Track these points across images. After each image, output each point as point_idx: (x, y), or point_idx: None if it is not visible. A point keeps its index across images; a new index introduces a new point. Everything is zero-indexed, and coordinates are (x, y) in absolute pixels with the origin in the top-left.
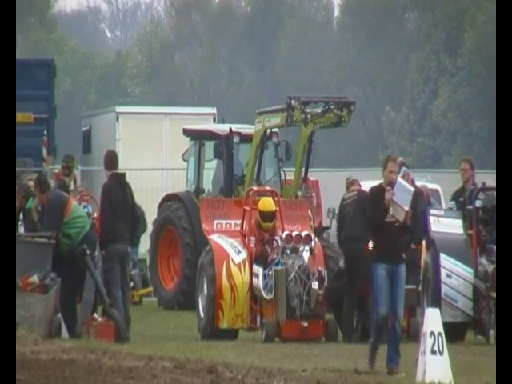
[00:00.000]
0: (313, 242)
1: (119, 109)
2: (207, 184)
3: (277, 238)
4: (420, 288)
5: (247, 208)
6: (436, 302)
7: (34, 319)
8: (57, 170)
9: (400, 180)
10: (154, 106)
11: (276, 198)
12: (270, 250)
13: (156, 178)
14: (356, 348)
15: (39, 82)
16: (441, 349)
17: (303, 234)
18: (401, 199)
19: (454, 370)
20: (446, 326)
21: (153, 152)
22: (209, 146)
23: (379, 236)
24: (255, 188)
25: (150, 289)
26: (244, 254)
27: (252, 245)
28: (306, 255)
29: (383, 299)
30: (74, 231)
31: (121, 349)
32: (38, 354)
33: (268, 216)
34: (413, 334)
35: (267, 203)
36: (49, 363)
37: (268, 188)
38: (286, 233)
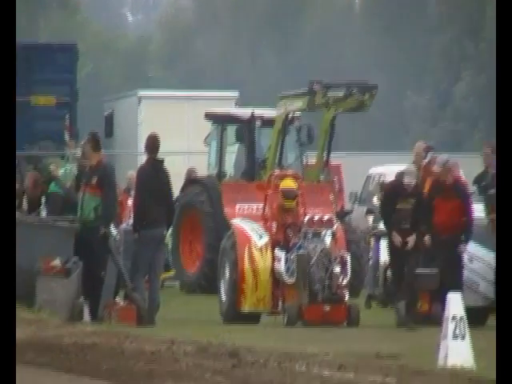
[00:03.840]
0: (335, 226)
1: (141, 92)
2: (229, 168)
3: (299, 221)
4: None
5: (269, 192)
6: (458, 286)
7: (56, 303)
8: (78, 155)
9: None
10: (175, 90)
11: (298, 181)
12: (292, 235)
13: (178, 162)
14: (378, 332)
15: (62, 66)
16: (463, 333)
17: (325, 217)
18: None
19: (476, 355)
20: (468, 310)
21: (175, 136)
22: (231, 129)
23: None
24: (277, 171)
25: (172, 273)
26: (266, 238)
27: (274, 229)
28: (328, 239)
29: None
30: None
31: (143, 333)
32: (61, 338)
33: (290, 194)
34: (435, 319)
35: (290, 181)
36: (71, 347)
37: (290, 171)
38: (307, 217)
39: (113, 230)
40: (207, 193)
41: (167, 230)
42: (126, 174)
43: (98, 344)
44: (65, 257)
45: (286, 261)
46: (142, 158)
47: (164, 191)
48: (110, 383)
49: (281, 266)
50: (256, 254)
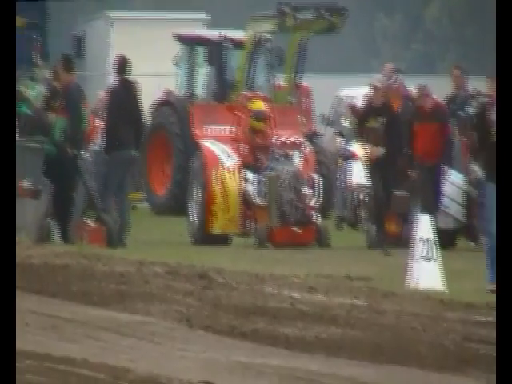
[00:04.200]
0: (304, 148)
1: (112, 14)
2: (199, 89)
3: (268, 143)
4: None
5: (239, 113)
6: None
7: (25, 224)
8: (48, 76)
9: None
10: (146, 12)
11: (268, 104)
12: (261, 156)
13: (148, 83)
14: (348, 254)
15: None
16: (433, 255)
17: (295, 139)
18: None
19: (447, 277)
20: (439, 232)
21: (145, 57)
22: (200, 51)
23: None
24: (247, 93)
25: (141, 194)
26: (235, 159)
27: (243, 151)
28: (297, 161)
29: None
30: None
31: (113, 254)
32: (31, 259)
33: (260, 115)
34: (406, 241)
35: (259, 103)
36: (42, 268)
37: (260, 93)
38: (277, 138)
39: (82, 151)
40: (177, 114)
41: (137, 150)
42: (96, 96)
43: (69, 265)
44: (34, 178)
45: (256, 182)
46: (113, 80)
47: (134, 112)
48: (80, 305)
49: (251, 188)
50: (225, 175)
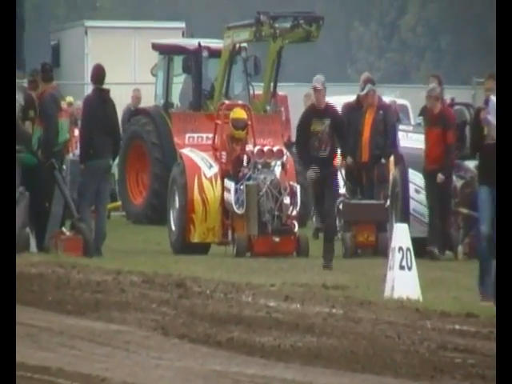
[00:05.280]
0: (285, 157)
1: (88, 23)
2: (176, 98)
3: (248, 152)
4: (388, 203)
5: (219, 122)
6: (405, 217)
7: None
8: (25, 84)
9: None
10: (123, 21)
11: (248, 112)
12: (241, 165)
13: (125, 92)
14: None
15: None
16: (409, 264)
17: (275, 148)
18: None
19: (423, 286)
20: (415, 241)
21: (121, 66)
22: (178, 60)
23: (480, 158)
24: (227, 102)
25: (119, 203)
26: (215, 168)
27: (224, 159)
28: (277, 170)
29: (486, 220)
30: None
31: (89, 263)
32: None
33: (240, 124)
34: (381, 250)
35: (239, 111)
36: (17, 277)
37: (240, 102)
38: (257, 147)
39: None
40: (154, 123)
41: (113, 160)
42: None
43: (44, 274)
44: None
45: (236, 191)
46: (89, 89)
47: (110, 121)
48: (55, 313)
49: (230, 197)
50: (205, 184)
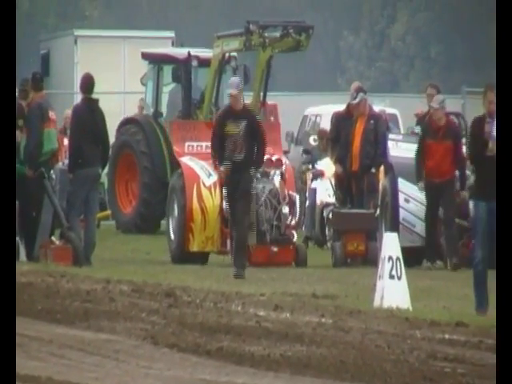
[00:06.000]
0: (284, 166)
1: (77, 32)
2: (165, 108)
3: None
4: (378, 212)
5: None
6: (394, 226)
7: None
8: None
9: None
10: (112, 30)
11: None
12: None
13: (114, 101)
14: (314, 272)
15: None
16: (399, 273)
17: (274, 158)
18: None
19: (412, 295)
20: (404, 250)
21: (111, 76)
22: (167, 69)
23: (479, 171)
24: None
25: (108, 212)
26: (215, 177)
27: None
28: (276, 180)
29: (482, 240)
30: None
31: (79, 272)
32: None
33: None
34: (371, 259)
35: None
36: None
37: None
38: None
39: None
40: (143, 132)
41: (102, 169)
42: (63, 114)
43: (33, 283)
44: None
45: None
46: (79, 98)
47: (99, 131)
48: (45, 323)
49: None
50: (204, 192)
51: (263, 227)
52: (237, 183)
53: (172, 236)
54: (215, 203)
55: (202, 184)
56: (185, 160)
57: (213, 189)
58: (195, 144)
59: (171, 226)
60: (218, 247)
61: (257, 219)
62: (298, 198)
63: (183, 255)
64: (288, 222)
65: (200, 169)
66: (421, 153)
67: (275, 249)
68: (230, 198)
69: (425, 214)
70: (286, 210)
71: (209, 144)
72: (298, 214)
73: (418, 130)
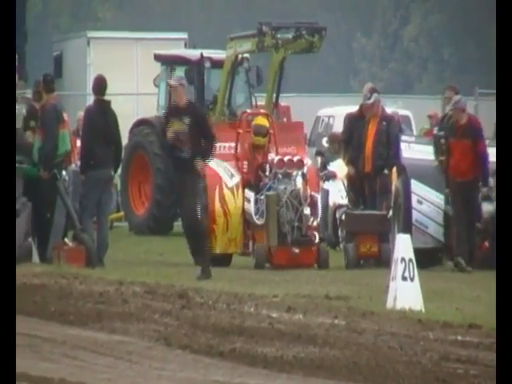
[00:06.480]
0: (305, 167)
1: (90, 34)
2: None
3: (270, 161)
4: (391, 214)
5: (241, 131)
6: (407, 227)
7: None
8: (28, 95)
9: None
10: (125, 31)
11: (270, 120)
12: (263, 175)
13: (127, 103)
14: (327, 274)
15: None
16: (412, 275)
17: (295, 158)
18: None
19: (425, 297)
20: (417, 251)
21: (124, 77)
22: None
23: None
24: (249, 110)
25: (121, 213)
26: (237, 178)
27: (245, 168)
28: (298, 180)
29: None
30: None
31: (92, 274)
32: None
33: (260, 130)
34: (384, 261)
35: (261, 119)
36: (20, 288)
37: (262, 110)
38: (277, 157)
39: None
40: (156, 134)
41: (115, 170)
42: (76, 116)
43: (46, 285)
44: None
45: (256, 202)
46: (91, 99)
47: (111, 132)
48: (58, 324)
49: (250, 207)
50: (227, 194)
51: (284, 229)
52: (184, 182)
53: None
54: (238, 205)
55: (224, 185)
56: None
57: (235, 190)
58: (218, 145)
59: None
60: (241, 249)
61: (278, 221)
62: (319, 198)
63: None
64: (310, 222)
65: (222, 170)
66: (446, 155)
67: (297, 250)
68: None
69: (451, 214)
70: (307, 210)
71: (232, 144)
72: (320, 215)
73: (441, 132)
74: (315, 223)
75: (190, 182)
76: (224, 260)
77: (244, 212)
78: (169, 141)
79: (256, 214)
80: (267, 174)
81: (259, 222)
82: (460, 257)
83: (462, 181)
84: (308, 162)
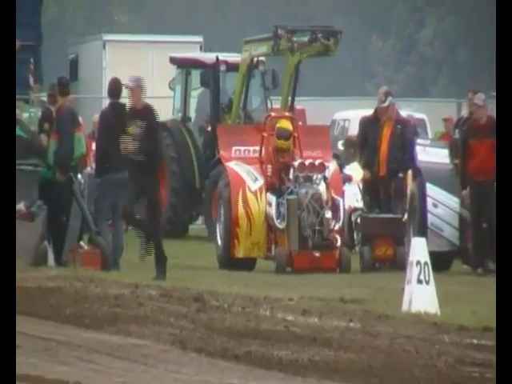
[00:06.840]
0: (327, 171)
1: (106, 37)
2: (193, 112)
3: (293, 165)
4: (406, 217)
5: (265, 134)
6: (422, 231)
7: (20, 247)
8: (44, 98)
9: None
10: (140, 34)
11: (294, 123)
12: (286, 178)
13: None
14: (342, 277)
15: (26, 9)
16: (427, 278)
17: (317, 162)
18: None
19: (440, 300)
20: (432, 255)
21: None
22: (195, 74)
23: None
24: (273, 114)
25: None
26: (261, 182)
27: (269, 172)
28: (321, 184)
29: None
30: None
31: (107, 277)
32: (24, 282)
33: (283, 133)
34: (399, 264)
35: (285, 122)
36: (35, 291)
37: (287, 113)
38: (299, 161)
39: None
40: (172, 137)
41: None
42: (91, 119)
43: (62, 288)
44: (29, 201)
45: (277, 205)
46: (107, 103)
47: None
48: (73, 327)
49: (272, 211)
50: (250, 197)
51: (305, 232)
52: (140, 187)
53: (219, 241)
54: (261, 208)
55: (247, 189)
56: (231, 165)
57: (258, 194)
58: (242, 148)
59: (218, 231)
60: (264, 252)
61: (299, 224)
62: (341, 202)
63: (230, 261)
64: (331, 226)
65: (246, 174)
66: (465, 157)
67: (317, 254)
68: (135, 203)
69: (470, 217)
70: (328, 214)
71: (256, 148)
72: (342, 219)
73: (457, 134)
74: (337, 227)
75: (149, 189)
76: (248, 264)
77: (266, 216)
78: (123, 151)
79: (278, 218)
80: (290, 177)
81: (281, 225)
82: (488, 259)
83: (484, 180)
84: (332, 165)
